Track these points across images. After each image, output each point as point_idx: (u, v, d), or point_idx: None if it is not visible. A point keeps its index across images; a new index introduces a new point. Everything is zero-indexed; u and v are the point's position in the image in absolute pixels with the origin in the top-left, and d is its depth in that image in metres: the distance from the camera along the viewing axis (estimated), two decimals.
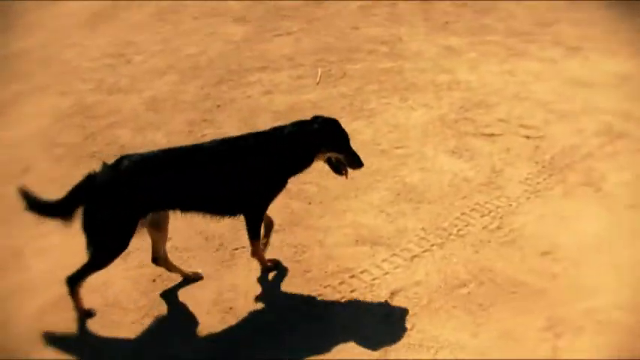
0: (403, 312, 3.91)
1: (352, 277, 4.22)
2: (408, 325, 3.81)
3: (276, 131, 4.10)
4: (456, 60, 7.50)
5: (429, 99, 6.48)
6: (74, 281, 3.93)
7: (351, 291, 4.11)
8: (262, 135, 4.09)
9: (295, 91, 6.90)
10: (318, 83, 7.03)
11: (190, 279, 4.28)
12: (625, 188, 4.97)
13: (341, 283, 4.17)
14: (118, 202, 3.79)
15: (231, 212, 4.14)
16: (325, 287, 4.15)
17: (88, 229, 3.79)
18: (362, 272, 4.25)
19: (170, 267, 4.27)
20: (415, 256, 4.37)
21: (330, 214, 4.72)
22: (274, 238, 4.49)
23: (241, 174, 3.99)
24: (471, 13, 9.14)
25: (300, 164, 4.14)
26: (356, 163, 4.16)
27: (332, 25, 8.80)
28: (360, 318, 3.88)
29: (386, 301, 4.00)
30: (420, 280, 4.16)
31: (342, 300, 4.05)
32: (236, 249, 4.53)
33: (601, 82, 6.80)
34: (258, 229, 4.19)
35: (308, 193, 4.99)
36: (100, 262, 3.91)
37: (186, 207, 4.02)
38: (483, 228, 4.62)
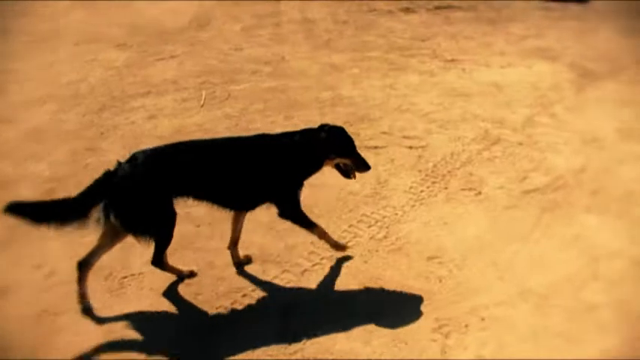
0: (297, 326, 3.93)
1: (244, 296, 4.20)
2: (302, 338, 3.83)
3: (286, 137, 4.28)
4: (338, 76, 7.68)
5: (314, 115, 6.58)
6: (159, 262, 4.17)
7: (244, 310, 4.10)
8: (273, 138, 4.29)
9: (180, 114, 6.84)
10: (202, 106, 7.00)
11: (84, 305, 4.13)
12: (502, 191, 5.24)
13: (233, 303, 4.14)
14: (145, 186, 3.93)
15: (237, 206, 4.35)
16: (217, 308, 4.11)
17: (130, 220, 3.94)
18: (253, 291, 4.25)
19: (83, 278, 4.12)
20: (306, 271, 4.41)
21: (219, 235, 4.69)
22: None
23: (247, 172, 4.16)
24: (352, 30, 9.40)
25: (309, 170, 4.29)
26: (363, 166, 4.33)
27: (215, 48, 8.82)
28: (254, 336, 3.86)
29: (279, 317, 4.02)
30: (311, 294, 4.20)
31: (235, 319, 4.03)
32: (125, 277, 4.42)
33: (477, 92, 7.16)
34: (304, 217, 4.34)
35: (196, 215, 4.92)
36: (163, 237, 4.07)
37: (197, 196, 4.18)
38: (371, 238, 4.73)
